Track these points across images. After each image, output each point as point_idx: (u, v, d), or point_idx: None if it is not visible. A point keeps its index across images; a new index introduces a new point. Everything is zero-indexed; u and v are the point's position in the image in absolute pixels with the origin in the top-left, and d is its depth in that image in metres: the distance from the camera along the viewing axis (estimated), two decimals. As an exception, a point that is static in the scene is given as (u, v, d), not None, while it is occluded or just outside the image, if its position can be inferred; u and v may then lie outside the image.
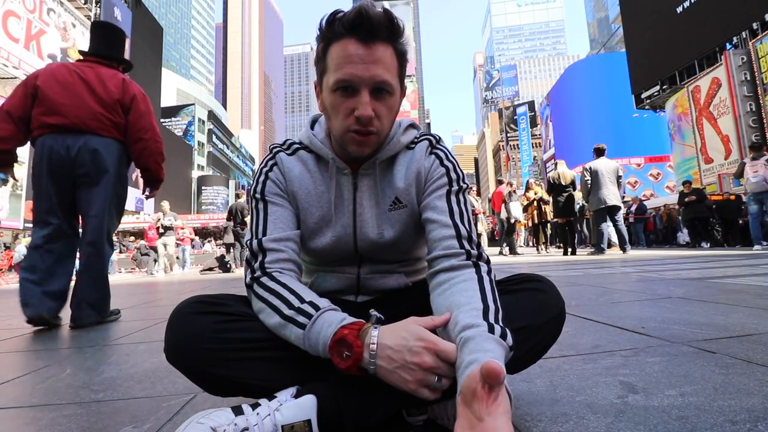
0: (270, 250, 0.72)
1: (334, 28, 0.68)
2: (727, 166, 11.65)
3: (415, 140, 0.82)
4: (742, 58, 11.90)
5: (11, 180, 2.22)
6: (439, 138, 0.83)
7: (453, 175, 0.77)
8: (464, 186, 0.77)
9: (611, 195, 6.33)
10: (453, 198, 0.75)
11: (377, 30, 0.67)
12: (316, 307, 0.63)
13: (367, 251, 0.80)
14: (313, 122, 0.84)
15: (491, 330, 0.56)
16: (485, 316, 0.58)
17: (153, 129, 2.32)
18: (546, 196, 8.04)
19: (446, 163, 0.78)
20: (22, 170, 13.24)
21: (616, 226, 6.49)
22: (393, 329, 0.58)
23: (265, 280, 0.69)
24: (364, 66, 0.67)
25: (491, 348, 0.53)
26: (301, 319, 0.62)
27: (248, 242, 0.75)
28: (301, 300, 0.65)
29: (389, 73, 0.69)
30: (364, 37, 0.67)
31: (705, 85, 13.17)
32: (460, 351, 0.55)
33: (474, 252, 0.68)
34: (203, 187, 41.68)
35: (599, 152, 6.55)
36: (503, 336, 0.56)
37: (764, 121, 11.37)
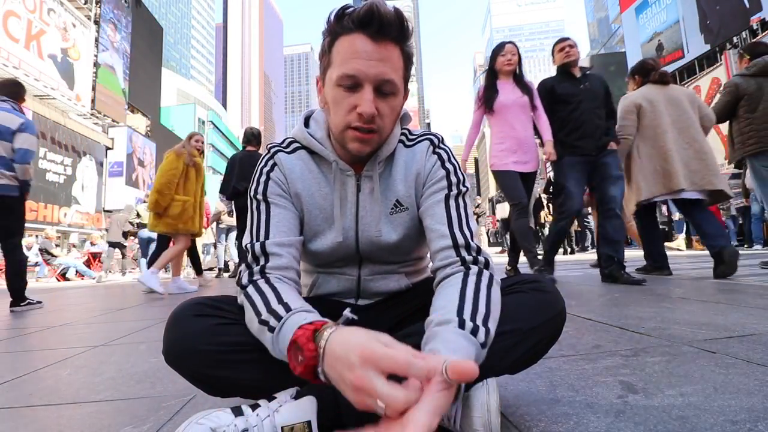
0: (273, 255, 0.70)
1: (342, 23, 0.67)
2: (727, 166, 11.65)
3: (415, 138, 0.81)
4: (742, 58, 11.91)
5: None
6: (442, 138, 0.81)
7: (453, 179, 0.76)
8: (464, 189, 0.76)
9: None
10: (452, 203, 0.74)
11: (387, 28, 0.66)
12: (288, 308, 0.59)
13: (368, 253, 0.80)
14: (307, 119, 0.82)
15: (461, 325, 0.55)
16: (459, 313, 0.57)
17: None
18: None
19: (447, 165, 0.77)
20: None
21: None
22: (348, 333, 0.49)
23: (261, 282, 0.66)
24: (371, 62, 0.65)
25: (453, 340, 0.52)
26: (272, 322, 0.58)
27: (248, 245, 0.72)
28: (279, 301, 0.61)
29: (395, 73, 0.68)
30: (373, 34, 0.65)
31: (705, 85, 13.17)
32: (422, 348, 0.54)
33: (469, 257, 0.68)
34: (203, 187, 41.60)
35: None
36: (474, 332, 0.54)
37: (764, 120, 11.37)
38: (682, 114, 2.83)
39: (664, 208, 5.94)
